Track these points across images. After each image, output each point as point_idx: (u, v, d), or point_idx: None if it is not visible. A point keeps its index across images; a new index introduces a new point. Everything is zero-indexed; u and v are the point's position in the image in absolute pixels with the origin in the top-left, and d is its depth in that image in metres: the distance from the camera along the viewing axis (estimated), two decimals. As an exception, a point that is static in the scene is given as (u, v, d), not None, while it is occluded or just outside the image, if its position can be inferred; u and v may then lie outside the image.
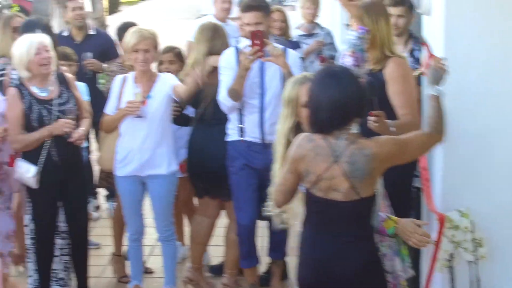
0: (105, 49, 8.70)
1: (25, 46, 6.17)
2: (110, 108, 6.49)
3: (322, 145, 4.20)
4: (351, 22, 6.20)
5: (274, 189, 4.53)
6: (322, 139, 4.20)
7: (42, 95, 6.26)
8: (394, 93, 5.42)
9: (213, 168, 6.51)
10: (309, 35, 9.49)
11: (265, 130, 6.26)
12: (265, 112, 6.27)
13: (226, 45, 6.69)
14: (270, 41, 6.20)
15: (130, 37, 6.34)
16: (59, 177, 6.36)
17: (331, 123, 4.19)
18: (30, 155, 6.24)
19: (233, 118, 6.37)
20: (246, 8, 6.42)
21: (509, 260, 5.54)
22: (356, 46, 5.40)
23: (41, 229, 6.52)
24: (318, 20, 9.80)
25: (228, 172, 6.47)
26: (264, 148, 6.15)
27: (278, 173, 4.58)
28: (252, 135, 6.31)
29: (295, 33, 9.11)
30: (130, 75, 6.46)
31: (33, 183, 6.24)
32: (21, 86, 6.26)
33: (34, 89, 6.23)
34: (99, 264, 7.50)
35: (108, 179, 7.09)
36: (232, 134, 6.40)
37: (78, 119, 6.41)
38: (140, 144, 6.40)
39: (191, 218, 7.40)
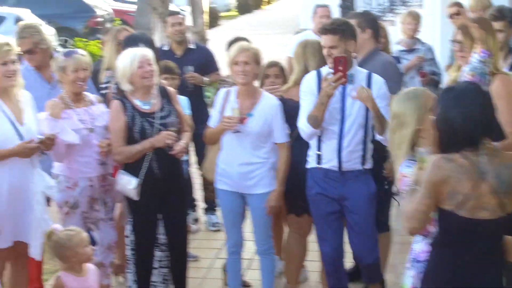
0: (205, 63, 8.78)
1: (128, 59, 6.28)
2: (212, 121, 6.54)
3: (464, 163, 4.13)
4: (455, 38, 6.09)
5: (407, 217, 4.34)
6: (462, 158, 4.14)
7: (145, 108, 6.34)
8: (500, 111, 5.32)
9: None
10: (410, 50, 9.48)
11: (343, 158, 6.12)
12: (344, 139, 6.11)
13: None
14: (354, 67, 6.13)
15: (231, 50, 6.42)
16: (159, 190, 6.41)
17: (469, 140, 4.15)
18: (132, 167, 6.32)
19: (312, 144, 6.28)
20: (322, 31, 6.32)
21: None
22: (477, 70, 5.36)
23: (141, 240, 6.57)
24: (418, 36, 9.75)
25: (308, 201, 6.43)
26: (341, 176, 6.13)
27: (408, 200, 4.36)
28: (330, 162, 6.18)
29: (395, 48, 9.06)
30: (233, 90, 6.49)
31: (134, 195, 6.32)
32: (124, 99, 6.36)
33: (137, 102, 6.32)
34: (197, 276, 7.53)
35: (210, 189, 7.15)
36: (310, 161, 6.31)
37: (179, 133, 6.47)
38: (238, 160, 6.42)
39: (278, 234, 7.37)
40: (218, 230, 8.51)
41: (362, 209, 6.19)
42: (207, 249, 7.72)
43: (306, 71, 6.58)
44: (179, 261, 6.76)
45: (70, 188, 6.36)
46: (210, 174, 6.64)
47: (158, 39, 12.89)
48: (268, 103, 6.44)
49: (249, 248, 7.21)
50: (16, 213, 5.95)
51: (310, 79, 6.23)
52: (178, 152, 6.38)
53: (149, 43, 6.99)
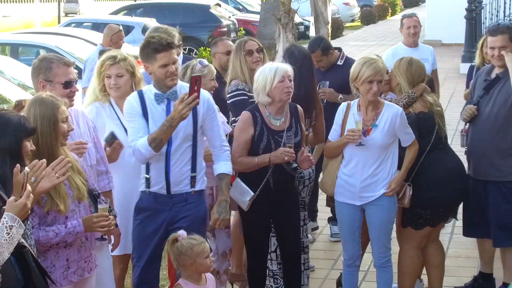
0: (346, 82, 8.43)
1: (271, 72, 6.27)
2: (332, 135, 6.55)
3: None
4: None
5: None
6: None
7: (274, 124, 6.36)
8: None
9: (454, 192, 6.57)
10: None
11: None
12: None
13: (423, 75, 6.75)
14: None
15: (365, 68, 6.29)
16: (271, 202, 6.42)
17: None
18: (250, 179, 6.34)
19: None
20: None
21: None
22: None
23: (253, 250, 6.64)
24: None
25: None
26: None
27: None
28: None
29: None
30: (354, 102, 6.45)
31: (245, 206, 6.36)
32: (255, 111, 6.38)
33: (268, 117, 6.34)
34: (314, 286, 7.55)
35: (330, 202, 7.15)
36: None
37: (298, 149, 6.42)
38: (362, 172, 6.40)
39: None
40: (338, 241, 8.50)
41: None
42: (324, 259, 7.71)
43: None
44: (291, 272, 6.74)
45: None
46: (328, 187, 6.62)
47: (281, 50, 12.95)
48: (392, 112, 6.39)
49: (365, 260, 7.16)
50: (124, 222, 6.06)
51: (132, 100, 5.90)
52: (306, 168, 6.49)
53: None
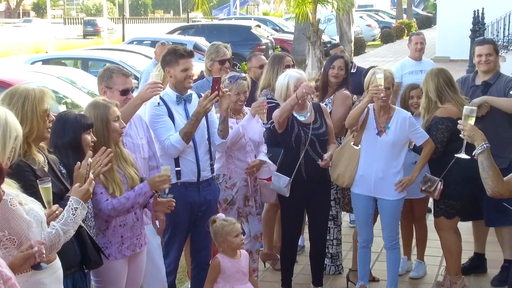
0: (358, 87, 8.48)
1: (286, 80, 6.35)
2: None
3: None
4: None
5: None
6: None
7: (301, 119, 6.42)
8: None
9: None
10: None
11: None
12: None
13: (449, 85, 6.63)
14: None
15: (374, 77, 6.25)
16: (305, 191, 6.44)
17: None
18: (284, 169, 6.41)
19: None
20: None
21: None
22: None
23: (288, 233, 6.66)
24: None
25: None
26: None
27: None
28: None
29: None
30: (370, 106, 6.39)
31: (285, 192, 6.39)
32: None
33: (295, 114, 6.41)
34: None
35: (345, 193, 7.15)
36: None
37: (327, 144, 6.50)
38: (376, 168, 6.37)
39: (421, 232, 7.37)
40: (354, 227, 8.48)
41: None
42: (343, 242, 7.67)
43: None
44: (318, 251, 6.78)
45: (229, 188, 6.47)
46: (346, 180, 6.54)
47: (310, 64, 12.97)
48: (401, 117, 6.37)
49: (378, 243, 7.16)
50: None
51: (157, 103, 5.84)
52: (324, 165, 6.41)
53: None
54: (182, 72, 5.84)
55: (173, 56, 5.86)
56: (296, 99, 6.18)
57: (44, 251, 3.45)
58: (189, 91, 6.03)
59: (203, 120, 5.93)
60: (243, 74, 6.76)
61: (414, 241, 7.63)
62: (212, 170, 6.10)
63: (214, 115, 6.15)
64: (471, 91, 7.06)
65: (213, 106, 5.91)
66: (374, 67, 6.88)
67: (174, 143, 5.75)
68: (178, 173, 5.90)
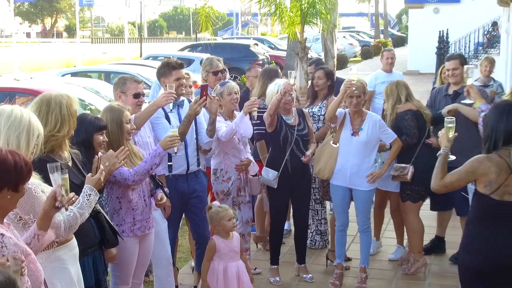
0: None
1: (276, 88, 6.35)
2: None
3: (500, 161, 4.10)
4: None
5: (445, 183, 4.31)
6: (498, 157, 4.11)
7: (288, 121, 6.43)
8: None
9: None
10: (485, 86, 9.20)
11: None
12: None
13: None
14: None
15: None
16: (290, 182, 6.44)
17: (505, 142, 4.12)
18: (273, 165, 6.41)
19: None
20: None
21: None
22: None
23: (275, 218, 6.65)
24: (493, 75, 9.50)
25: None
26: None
27: (441, 166, 4.36)
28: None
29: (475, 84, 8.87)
30: (347, 112, 6.41)
31: (273, 184, 6.40)
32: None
33: (283, 116, 6.43)
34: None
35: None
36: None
37: (308, 143, 6.51)
38: (351, 163, 6.37)
39: (398, 220, 7.32)
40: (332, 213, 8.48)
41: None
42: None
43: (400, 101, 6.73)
44: (301, 233, 6.81)
45: (225, 181, 6.46)
46: (326, 173, 6.54)
47: (298, 76, 12.94)
48: (372, 120, 6.39)
49: (354, 228, 7.16)
50: None
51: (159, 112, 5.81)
52: (306, 161, 6.44)
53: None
54: (175, 81, 5.82)
55: (167, 68, 5.86)
56: (280, 95, 6.21)
57: (63, 193, 3.39)
58: (182, 98, 6.01)
59: (192, 123, 5.93)
60: (230, 81, 6.79)
61: (384, 226, 7.66)
62: (199, 164, 6.09)
63: (202, 118, 6.15)
64: (444, 99, 7.08)
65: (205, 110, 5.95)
66: None
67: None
68: (170, 167, 5.90)
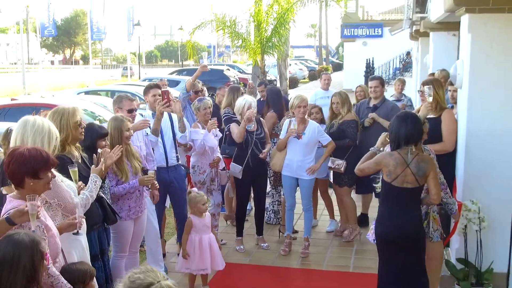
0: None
1: (244, 102, 6.35)
2: (282, 136, 6.49)
3: (399, 157, 4.16)
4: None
5: (359, 168, 4.42)
6: (398, 154, 4.17)
7: (249, 128, 6.41)
8: (443, 128, 5.41)
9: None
10: (398, 100, 9.35)
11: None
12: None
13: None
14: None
15: (296, 100, 6.30)
16: (252, 173, 6.44)
17: (405, 143, 4.18)
18: (238, 160, 6.39)
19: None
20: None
21: (500, 230, 5.21)
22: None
23: (240, 201, 6.65)
24: (404, 92, 9.64)
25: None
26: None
27: (365, 159, 4.47)
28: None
29: (390, 99, 8.98)
30: (293, 119, 6.39)
31: (239, 176, 6.41)
32: (238, 123, 6.47)
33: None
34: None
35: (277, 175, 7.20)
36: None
37: (264, 144, 6.52)
38: (297, 158, 6.36)
39: (328, 201, 7.36)
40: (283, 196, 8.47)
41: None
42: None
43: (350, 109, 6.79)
44: (259, 212, 6.81)
45: (201, 174, 6.45)
46: (277, 167, 6.57)
47: (259, 93, 13.02)
48: (312, 126, 6.40)
49: (299, 208, 7.17)
50: None
51: (147, 116, 5.88)
52: (264, 156, 6.46)
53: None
54: (152, 97, 5.84)
55: (147, 88, 5.93)
56: (245, 122, 6.25)
57: (83, 224, 3.42)
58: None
59: (170, 125, 5.92)
60: (207, 98, 6.77)
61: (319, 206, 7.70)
62: (178, 159, 6.01)
63: (176, 122, 6.08)
64: (366, 110, 7.13)
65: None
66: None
67: (150, 138, 5.72)
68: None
